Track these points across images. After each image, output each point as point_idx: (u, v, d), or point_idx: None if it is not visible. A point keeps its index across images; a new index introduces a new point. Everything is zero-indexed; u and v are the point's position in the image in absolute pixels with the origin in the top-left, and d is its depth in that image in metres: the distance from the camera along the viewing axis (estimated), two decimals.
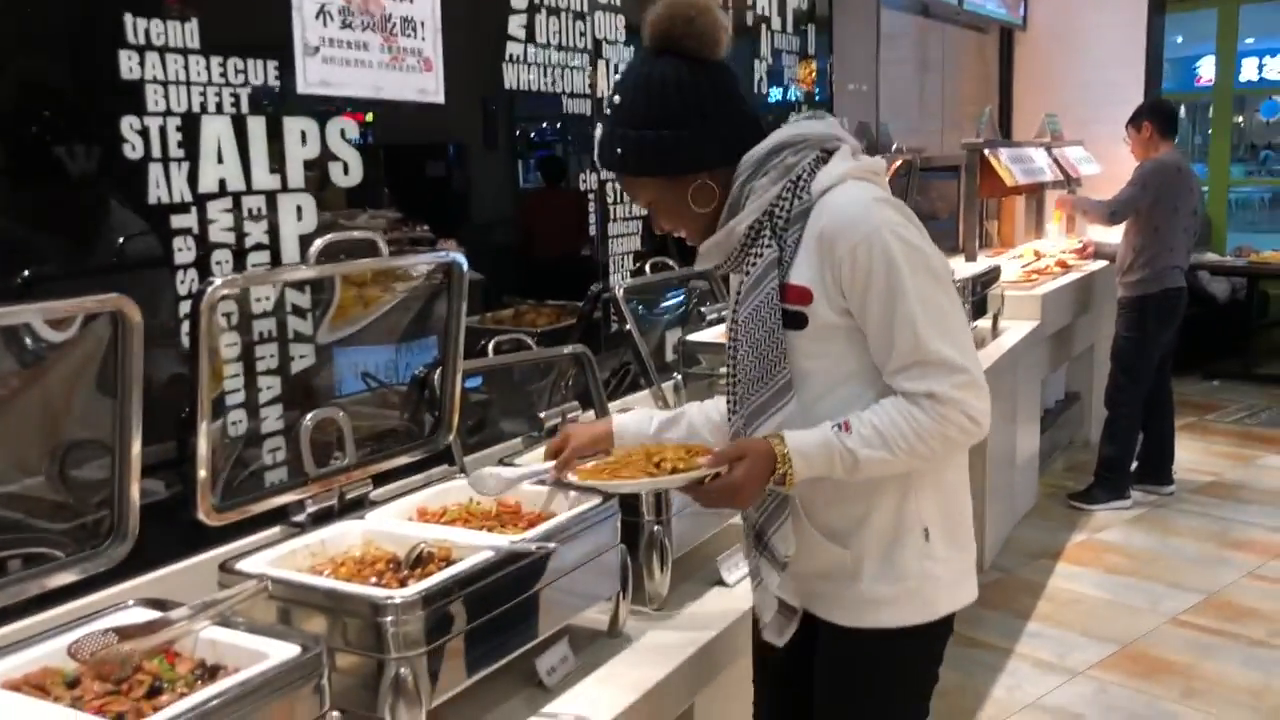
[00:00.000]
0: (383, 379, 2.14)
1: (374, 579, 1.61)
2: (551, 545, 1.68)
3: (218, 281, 1.64)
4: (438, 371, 2.00)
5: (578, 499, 1.75)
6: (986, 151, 5.38)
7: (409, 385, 2.11)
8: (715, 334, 2.74)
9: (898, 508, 1.50)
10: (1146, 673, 3.59)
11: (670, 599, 1.99)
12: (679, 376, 2.64)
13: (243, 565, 1.63)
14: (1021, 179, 5.52)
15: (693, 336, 2.80)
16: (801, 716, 1.65)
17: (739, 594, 2.03)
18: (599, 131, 1.46)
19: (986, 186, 5.45)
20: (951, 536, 1.53)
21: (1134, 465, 5.45)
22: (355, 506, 1.81)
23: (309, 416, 1.81)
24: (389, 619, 1.45)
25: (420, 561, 1.61)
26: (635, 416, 1.75)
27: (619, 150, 1.45)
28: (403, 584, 1.56)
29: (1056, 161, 6.23)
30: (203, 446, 1.62)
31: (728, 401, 1.52)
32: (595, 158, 1.49)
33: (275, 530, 1.78)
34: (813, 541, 1.52)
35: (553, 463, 1.73)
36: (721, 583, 2.10)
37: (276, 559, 1.64)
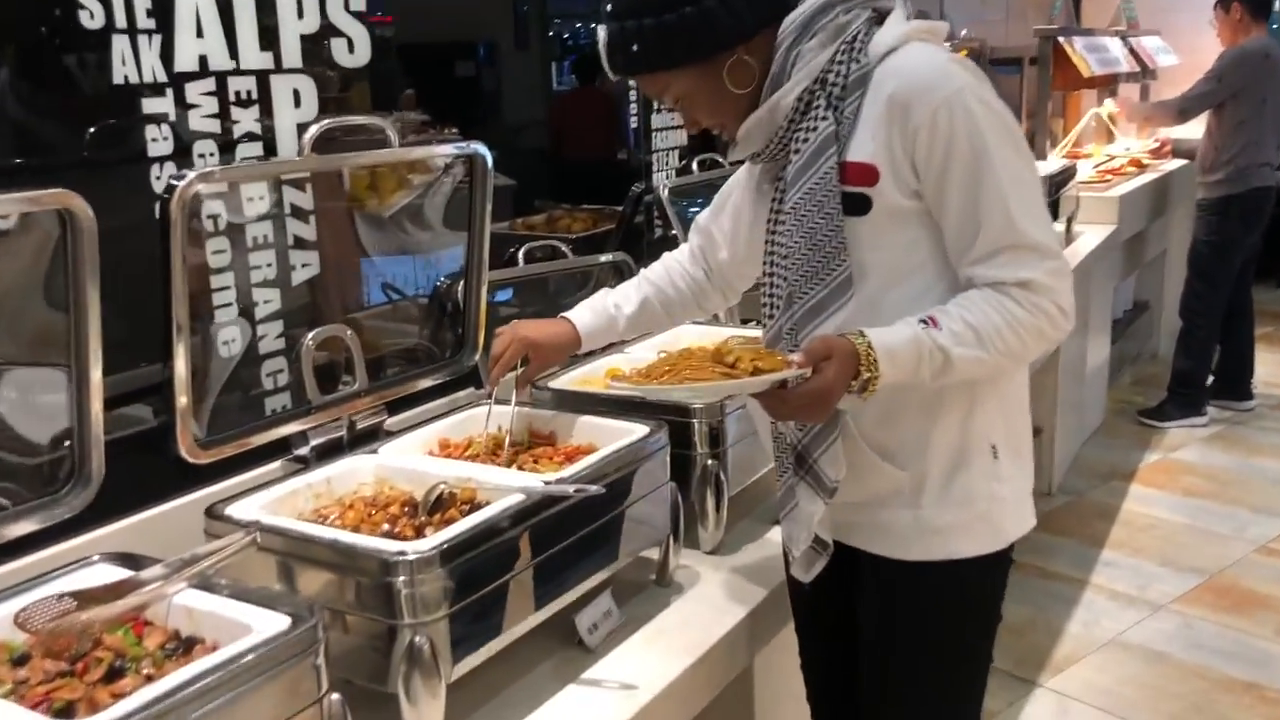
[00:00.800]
0: (399, 291, 2.03)
1: (386, 525, 1.45)
2: (594, 488, 1.47)
3: (190, 175, 1.41)
4: (460, 284, 1.90)
5: (616, 426, 1.61)
6: (1061, 39, 4.97)
7: (429, 299, 2.02)
8: None
9: (963, 422, 1.40)
10: (1235, 606, 3.41)
11: (726, 541, 1.86)
12: None
13: (233, 510, 1.46)
14: (1097, 69, 5.11)
15: None
16: (849, 663, 1.56)
17: None
18: (601, 35, 1.36)
19: (1060, 78, 5.05)
20: (1016, 453, 1.45)
21: (1210, 379, 5.17)
22: (367, 438, 1.69)
23: (311, 335, 1.66)
24: (401, 579, 1.28)
25: (440, 505, 1.46)
26: (592, 311, 1.66)
27: (635, 47, 1.34)
28: (419, 532, 1.41)
29: (1132, 52, 5.80)
30: (180, 369, 1.41)
31: (765, 302, 1.41)
32: (606, 65, 1.36)
33: (275, 466, 1.67)
34: (865, 463, 1.41)
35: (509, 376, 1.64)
36: None
37: (273, 502, 1.48)
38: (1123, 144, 6.13)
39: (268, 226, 1.78)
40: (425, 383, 1.83)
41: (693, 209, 2.71)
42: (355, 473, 1.59)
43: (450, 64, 6.49)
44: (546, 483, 1.45)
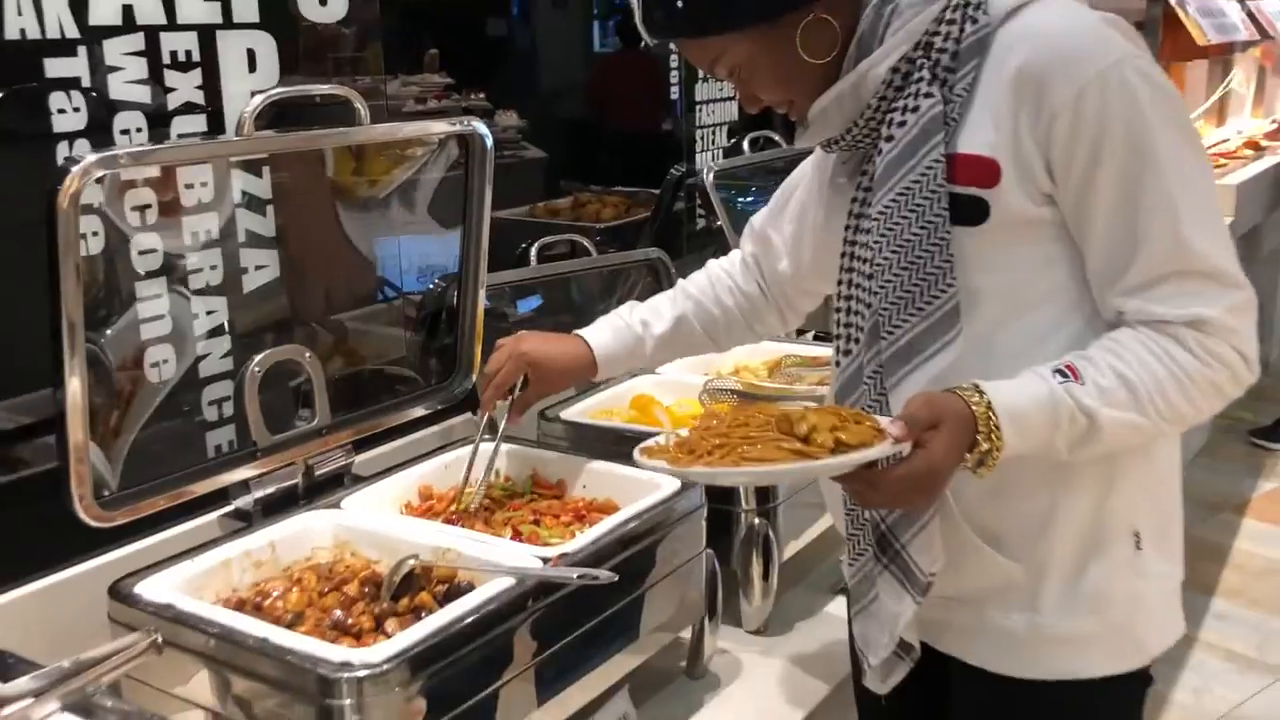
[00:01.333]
0: (378, 297, 1.88)
1: (338, 612, 1.27)
2: (604, 574, 1.27)
3: (88, 159, 1.17)
4: (455, 289, 1.74)
5: (644, 476, 1.43)
6: (1173, 1, 4.62)
7: (416, 307, 1.87)
8: None
9: (1098, 500, 1.23)
10: None
11: (774, 616, 1.72)
12: None
13: (145, 588, 1.26)
14: (1213, 37, 4.76)
15: None
16: None
17: None
18: None
19: (1170, 46, 4.70)
20: (1164, 540, 1.28)
21: None
22: (329, 486, 1.52)
23: (257, 359, 1.48)
24: (345, 702, 1.09)
25: (410, 584, 1.29)
26: (613, 330, 1.52)
27: (680, 3, 1.17)
28: (378, 624, 1.25)
29: (1251, 16, 5.44)
30: (73, 400, 1.23)
31: (839, 333, 1.26)
32: (641, 24, 1.23)
33: (212, 518, 1.49)
34: (967, 550, 1.24)
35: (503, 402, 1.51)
36: (846, 591, 1.70)
37: (199, 576, 1.31)
38: (1234, 125, 5.78)
39: (212, 220, 1.60)
40: (404, 416, 1.67)
41: (742, 198, 2.63)
42: (308, 534, 1.42)
43: (480, 21, 6.27)
44: (546, 561, 1.28)
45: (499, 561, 1.28)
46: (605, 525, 1.37)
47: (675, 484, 1.44)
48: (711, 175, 2.42)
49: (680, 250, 2.65)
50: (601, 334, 1.53)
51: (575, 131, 5.47)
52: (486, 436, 1.54)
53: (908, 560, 1.23)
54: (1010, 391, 1.12)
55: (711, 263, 1.61)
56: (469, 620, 1.17)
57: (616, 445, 1.58)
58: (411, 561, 1.30)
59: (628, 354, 1.53)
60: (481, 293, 1.71)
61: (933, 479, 1.10)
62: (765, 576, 1.68)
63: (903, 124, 1.17)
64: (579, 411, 1.82)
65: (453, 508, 1.51)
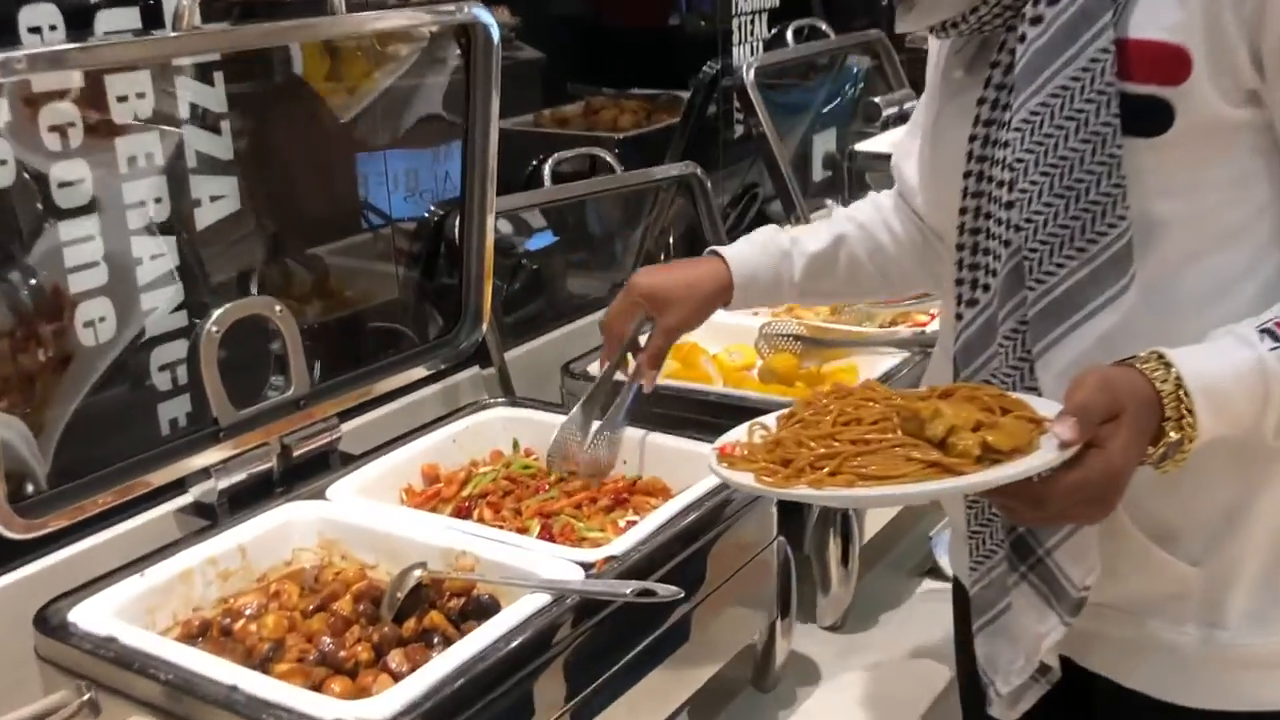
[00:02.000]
0: (363, 227, 1.76)
1: (328, 641, 1.15)
2: (668, 589, 1.13)
3: None
4: (457, 218, 1.65)
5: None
6: None
7: (409, 239, 1.79)
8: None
9: None
10: None
11: (854, 608, 1.63)
12: (834, 205, 2.19)
13: (80, 615, 1.12)
14: None
15: (865, 145, 2.47)
16: None
17: None
18: None
19: None
20: None
21: None
22: (311, 469, 1.44)
23: (216, 315, 1.36)
24: None
25: (418, 598, 1.20)
26: (752, 243, 1.43)
27: None
28: (379, 654, 1.13)
29: None
30: None
31: (960, 276, 1.15)
32: None
33: (167, 514, 1.40)
34: (1129, 550, 1.12)
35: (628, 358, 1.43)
36: (937, 572, 1.73)
37: (148, 595, 1.19)
38: None
39: (153, 141, 1.48)
40: (400, 378, 1.58)
41: (785, 98, 2.66)
42: (287, 533, 1.32)
43: None
44: (589, 568, 1.16)
45: (530, 571, 1.17)
46: (658, 517, 1.26)
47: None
48: (751, 72, 2.35)
49: (716, 162, 2.51)
50: (737, 247, 1.42)
51: (577, 27, 5.30)
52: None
53: (1053, 569, 1.11)
54: (1205, 362, 0.98)
55: (873, 194, 1.49)
56: (498, 654, 1.05)
57: (660, 407, 1.50)
58: (418, 573, 1.19)
59: (771, 274, 1.40)
60: (490, 220, 1.61)
61: (1112, 487, 0.96)
62: (845, 561, 1.58)
63: (1050, 5, 1.04)
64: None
65: (466, 491, 1.42)
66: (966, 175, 1.13)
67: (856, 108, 2.80)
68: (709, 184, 2.15)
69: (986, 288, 1.12)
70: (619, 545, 1.20)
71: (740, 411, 1.44)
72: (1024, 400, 1.00)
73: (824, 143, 2.80)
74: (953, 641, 1.42)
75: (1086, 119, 1.02)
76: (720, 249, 1.41)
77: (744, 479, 1.00)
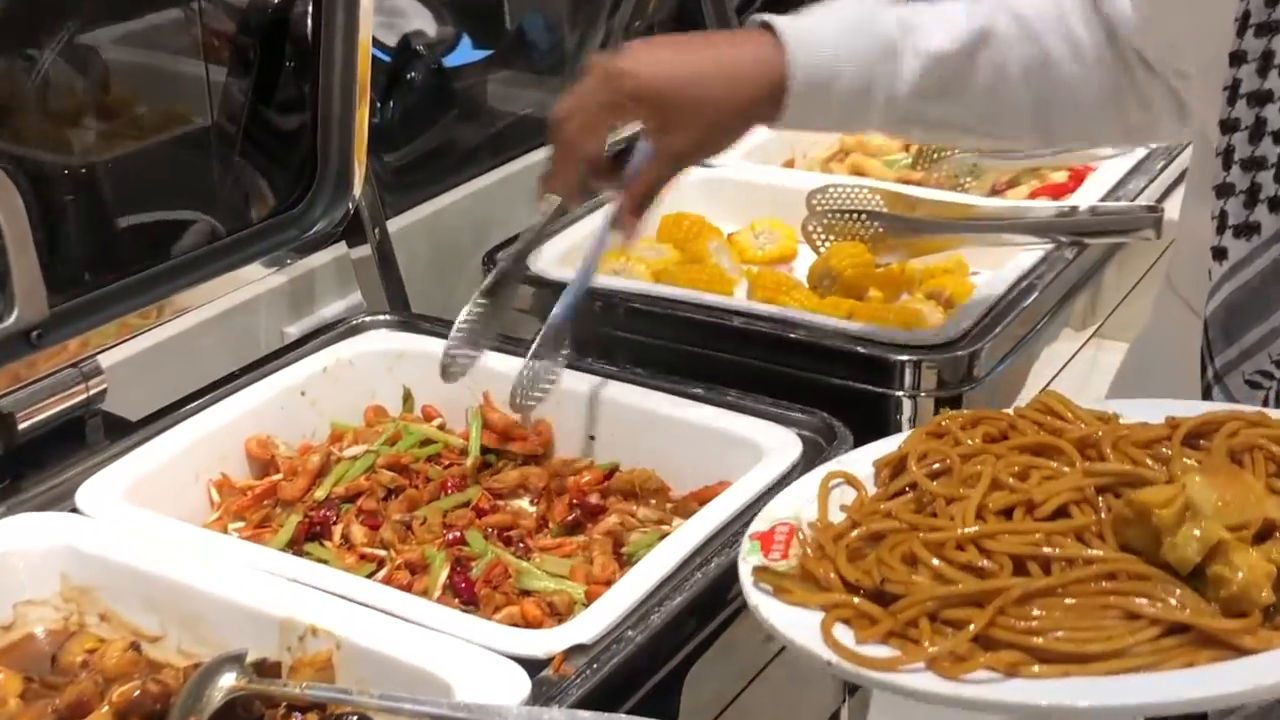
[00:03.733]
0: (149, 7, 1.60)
1: None
2: None
3: None
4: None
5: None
6: None
7: (228, 38, 1.63)
8: None
9: None
10: None
11: None
12: None
13: None
14: None
15: None
16: None
17: None
18: None
19: None
20: None
21: None
22: (53, 449, 1.29)
23: None
24: None
25: None
26: (847, 30, 1.25)
27: None
28: None
29: None
30: None
31: (1225, 189, 1.03)
32: None
33: None
34: None
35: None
36: None
37: None
38: None
39: None
40: (209, 288, 1.42)
41: None
42: (4, 572, 1.17)
43: None
44: (538, 674, 1.01)
45: (427, 675, 0.98)
46: (661, 561, 1.07)
47: (787, 452, 1.22)
48: None
49: None
50: (808, 22, 1.24)
51: None
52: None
53: None
54: None
55: None
56: None
57: (643, 332, 1.47)
58: (230, 678, 1.00)
59: (860, 77, 1.24)
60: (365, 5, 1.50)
61: None
62: None
63: None
64: (558, 253, 1.56)
65: (338, 485, 1.27)
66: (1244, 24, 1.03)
67: None
68: None
69: (1277, 203, 1.01)
70: (594, 619, 1.00)
71: (776, 349, 1.39)
72: None
73: None
74: None
75: None
76: (776, 20, 1.23)
77: (816, 637, 0.81)
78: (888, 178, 1.74)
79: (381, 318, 1.46)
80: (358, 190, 1.54)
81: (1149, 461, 0.88)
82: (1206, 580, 0.80)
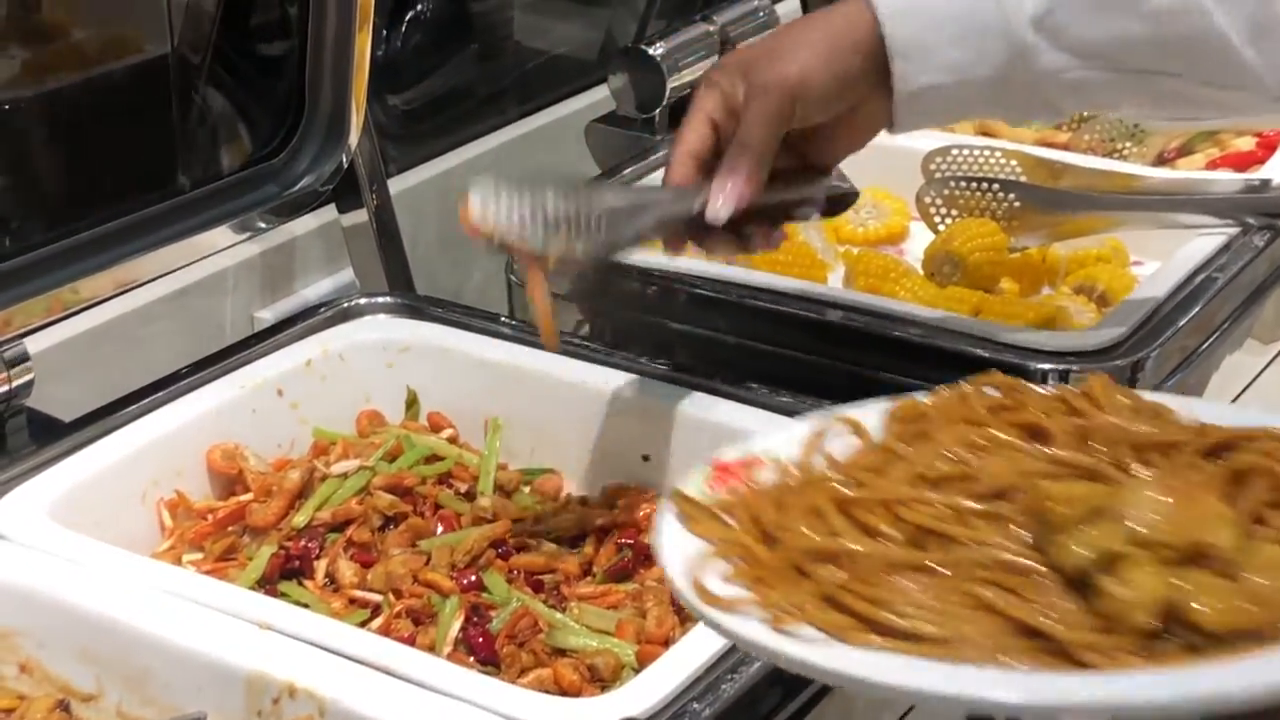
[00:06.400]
0: None
1: None
2: None
3: None
4: None
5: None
6: None
7: None
8: None
9: None
10: None
11: None
12: None
13: None
14: None
15: None
16: None
17: None
18: None
19: None
20: None
21: None
22: None
23: None
24: None
25: None
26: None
27: None
28: None
29: None
30: None
31: None
32: None
33: None
34: None
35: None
36: None
37: None
38: None
39: None
40: (170, 254, 1.46)
41: None
42: None
43: None
44: None
45: None
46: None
47: None
48: None
49: None
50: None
51: None
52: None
53: None
54: None
55: None
56: None
57: (713, 326, 1.49)
58: None
59: (982, 59, 1.28)
60: None
61: None
62: None
63: None
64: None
65: (324, 503, 1.30)
66: None
67: None
68: None
69: None
70: (648, 687, 1.01)
71: (880, 351, 1.43)
72: None
73: None
74: None
75: None
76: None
77: (684, 567, 0.91)
78: (1026, 139, 1.76)
79: (379, 300, 1.47)
80: (354, 139, 1.58)
81: (1131, 463, 0.94)
82: (1098, 595, 0.86)
